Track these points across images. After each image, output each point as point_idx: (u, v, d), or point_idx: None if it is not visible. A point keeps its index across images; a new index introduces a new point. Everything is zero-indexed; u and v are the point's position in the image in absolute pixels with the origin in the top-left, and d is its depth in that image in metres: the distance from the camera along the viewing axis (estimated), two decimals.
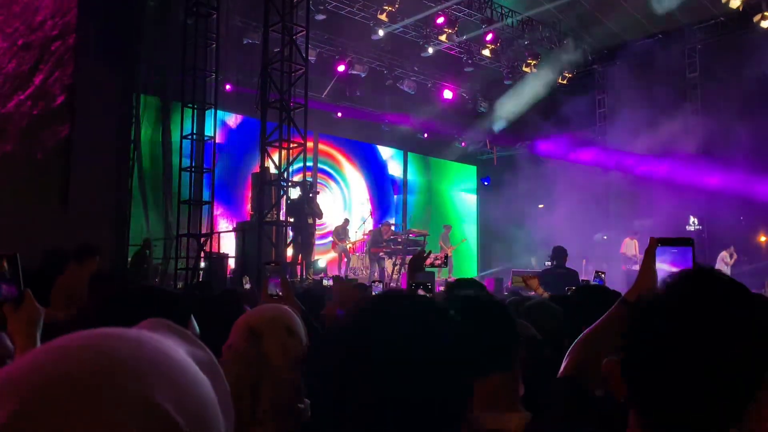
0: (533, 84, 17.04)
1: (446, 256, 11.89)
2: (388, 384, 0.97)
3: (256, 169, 12.08)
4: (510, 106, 17.76)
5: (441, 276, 14.19)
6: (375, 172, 18.69)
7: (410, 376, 0.97)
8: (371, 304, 1.11)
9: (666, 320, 1.00)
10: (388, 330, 1.02)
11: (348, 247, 15.02)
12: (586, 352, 1.68)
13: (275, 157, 11.11)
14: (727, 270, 13.52)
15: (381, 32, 14.94)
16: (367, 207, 17.59)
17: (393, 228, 14.37)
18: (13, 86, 9.90)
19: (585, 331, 1.74)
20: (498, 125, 18.55)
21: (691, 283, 1.04)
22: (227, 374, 0.56)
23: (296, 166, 11.74)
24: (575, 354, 1.72)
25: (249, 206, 13.50)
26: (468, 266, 18.79)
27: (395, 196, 19.05)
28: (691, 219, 15.60)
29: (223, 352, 1.65)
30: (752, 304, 1.00)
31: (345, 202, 17.62)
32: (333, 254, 15.27)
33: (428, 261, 3.83)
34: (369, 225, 15.52)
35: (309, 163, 13.39)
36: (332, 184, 17.42)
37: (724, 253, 13.79)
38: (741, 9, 12.95)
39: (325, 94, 16.48)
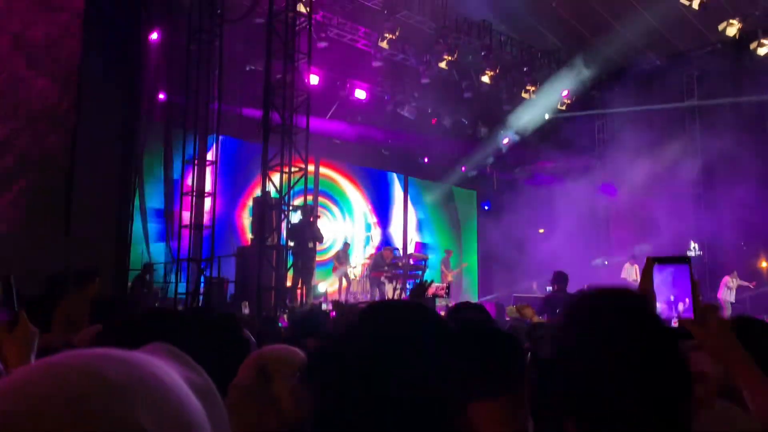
0: (533, 109, 17.17)
1: (449, 287, 11.88)
2: (387, 386, 0.96)
3: (249, 190, 12.06)
4: (515, 123, 17.82)
5: (442, 302, 14.15)
6: (376, 196, 18.73)
7: (406, 377, 0.97)
8: (365, 312, 1.11)
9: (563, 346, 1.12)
10: (383, 333, 1.02)
11: (349, 271, 15.01)
12: None
13: (276, 182, 11.16)
14: (730, 295, 13.48)
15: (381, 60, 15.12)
16: (375, 231, 17.61)
17: (394, 253, 14.37)
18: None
19: None
20: (502, 144, 18.59)
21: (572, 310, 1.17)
22: (235, 413, 0.57)
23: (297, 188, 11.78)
24: None
25: (245, 226, 13.58)
26: (468, 291, 18.73)
27: (396, 221, 19.06)
28: (692, 244, 15.59)
29: (230, 392, 1.64)
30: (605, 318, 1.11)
31: (346, 226, 17.62)
32: (333, 279, 15.22)
33: (431, 291, 3.81)
34: (374, 243, 15.44)
35: (310, 186, 13.43)
36: (334, 208, 17.44)
37: (727, 278, 13.75)
38: (737, 37, 13.07)
39: (326, 119, 16.58)
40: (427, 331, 1.04)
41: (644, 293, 1.57)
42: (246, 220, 14.67)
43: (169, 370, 0.55)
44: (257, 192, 14.71)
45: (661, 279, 1.46)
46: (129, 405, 0.48)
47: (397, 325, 1.04)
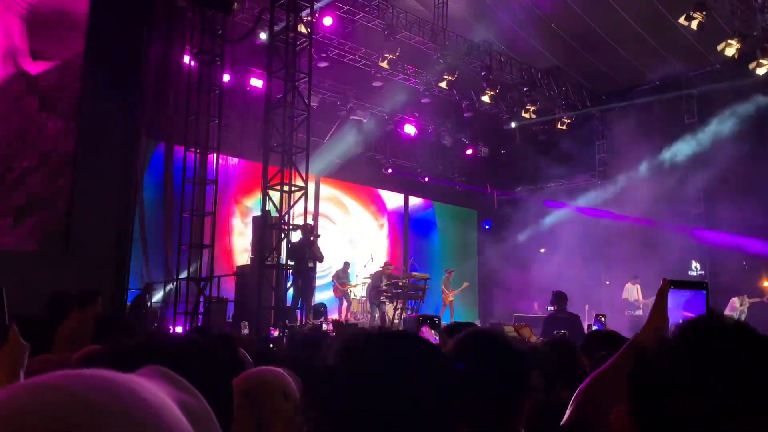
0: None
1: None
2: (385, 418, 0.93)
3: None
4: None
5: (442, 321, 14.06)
6: (376, 215, 18.74)
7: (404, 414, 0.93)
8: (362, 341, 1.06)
9: (678, 368, 0.98)
10: (377, 364, 0.98)
11: (348, 290, 14.96)
12: (593, 398, 1.59)
13: (276, 201, 11.16)
14: (735, 317, 13.39)
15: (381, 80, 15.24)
16: (369, 251, 17.56)
17: (392, 268, 14.28)
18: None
19: (591, 375, 1.66)
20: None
21: (702, 330, 1.02)
22: None
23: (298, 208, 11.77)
24: (581, 399, 1.64)
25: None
26: (469, 311, 18.65)
27: (397, 239, 19.04)
28: (693, 264, 15.56)
29: None
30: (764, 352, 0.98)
31: (347, 245, 17.59)
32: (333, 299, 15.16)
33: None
34: (372, 267, 15.37)
35: (310, 206, 13.42)
36: (334, 227, 17.43)
37: (735, 300, 13.65)
38: (736, 57, 13.13)
39: (327, 138, 16.66)
40: (423, 362, 1.00)
41: (657, 314, 1.50)
42: (235, 238, 14.68)
43: (157, 392, 0.54)
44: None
45: (674, 302, 1.42)
46: (103, 423, 0.47)
47: (391, 357, 1.01)
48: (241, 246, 14.70)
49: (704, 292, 1.40)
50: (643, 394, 1.02)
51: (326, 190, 17.39)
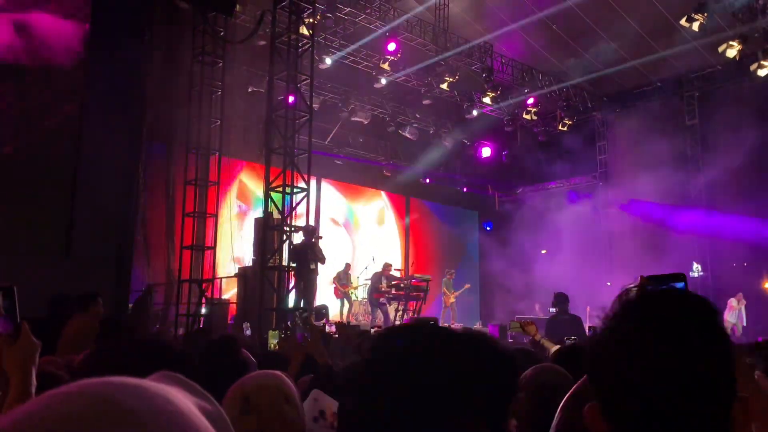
0: None
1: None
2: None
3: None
4: None
5: (443, 323, 14.05)
6: (378, 216, 18.73)
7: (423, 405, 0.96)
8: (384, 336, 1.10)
9: (617, 352, 1.02)
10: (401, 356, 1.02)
11: (349, 292, 14.94)
12: (577, 406, 1.61)
13: (278, 202, 11.16)
14: (734, 316, 13.39)
15: (383, 81, 15.22)
16: (371, 253, 17.56)
17: (392, 267, 14.25)
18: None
19: (576, 384, 1.68)
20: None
21: (630, 312, 1.06)
22: None
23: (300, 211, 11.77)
24: (567, 409, 1.65)
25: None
26: (470, 313, 18.64)
27: (398, 241, 19.03)
28: (695, 265, 15.54)
29: None
30: (695, 323, 1.05)
31: (349, 247, 17.59)
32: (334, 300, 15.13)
33: None
34: (373, 268, 15.37)
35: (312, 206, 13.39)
36: (335, 229, 17.43)
37: (731, 300, 13.66)
38: (738, 58, 13.14)
39: (328, 140, 16.66)
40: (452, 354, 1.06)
41: None
42: (237, 240, 14.66)
43: (183, 398, 0.55)
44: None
45: None
46: (144, 430, 0.48)
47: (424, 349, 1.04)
48: (242, 248, 14.69)
49: (683, 283, 1.39)
50: (590, 379, 1.07)
51: (328, 191, 17.38)
